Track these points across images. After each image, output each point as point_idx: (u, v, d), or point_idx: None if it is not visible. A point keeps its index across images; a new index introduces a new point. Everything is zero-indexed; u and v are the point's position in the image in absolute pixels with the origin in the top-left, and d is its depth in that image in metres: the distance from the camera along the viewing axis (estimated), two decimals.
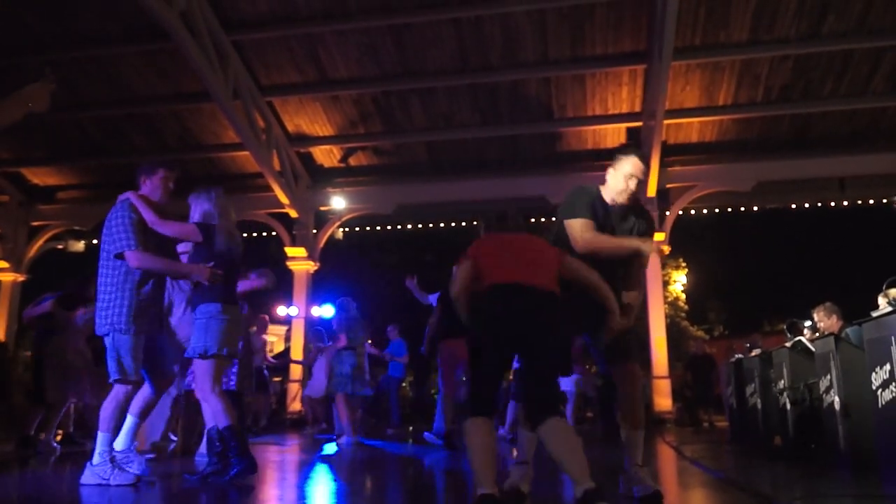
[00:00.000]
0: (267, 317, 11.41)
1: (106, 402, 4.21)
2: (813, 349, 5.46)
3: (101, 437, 4.13)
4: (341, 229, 14.39)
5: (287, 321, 14.59)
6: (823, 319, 6.30)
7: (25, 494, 4.20)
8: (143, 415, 4.48)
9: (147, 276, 4.31)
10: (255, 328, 10.89)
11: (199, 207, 4.57)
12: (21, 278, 14.50)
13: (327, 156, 13.48)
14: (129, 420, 4.39)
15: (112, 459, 4.09)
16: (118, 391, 4.18)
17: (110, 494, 3.81)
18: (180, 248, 4.77)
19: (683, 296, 27.55)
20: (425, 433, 7.82)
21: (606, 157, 13.92)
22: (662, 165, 11.84)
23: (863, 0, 9.74)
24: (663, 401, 12.18)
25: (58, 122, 12.64)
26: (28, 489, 4.46)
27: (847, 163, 12.25)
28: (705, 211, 13.38)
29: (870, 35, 10.21)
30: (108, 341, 4.20)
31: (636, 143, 12.34)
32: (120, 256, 4.24)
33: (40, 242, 14.70)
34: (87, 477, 4.07)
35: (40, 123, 12.68)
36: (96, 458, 4.09)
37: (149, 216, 4.33)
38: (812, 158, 12.24)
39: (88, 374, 7.46)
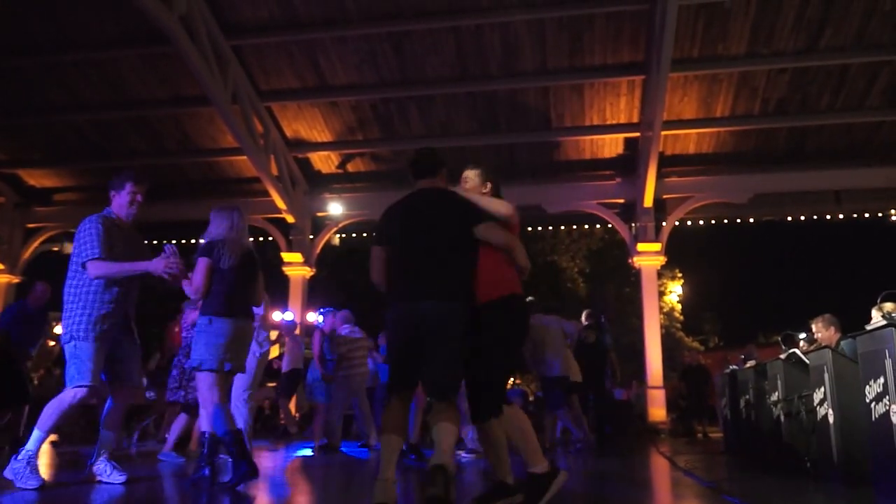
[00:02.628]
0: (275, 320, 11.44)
1: (50, 403, 4.19)
2: (807, 361, 5.47)
3: (35, 434, 4.14)
4: (338, 235, 14.39)
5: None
6: (821, 331, 6.30)
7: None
8: (111, 425, 4.44)
9: (110, 283, 4.30)
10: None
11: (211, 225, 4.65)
12: (16, 280, 14.46)
13: (325, 161, 13.49)
14: (101, 432, 4.42)
15: (30, 460, 4.08)
16: (67, 395, 4.15)
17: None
18: None
19: (679, 306, 27.62)
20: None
21: (604, 166, 14.08)
22: (659, 176, 11.87)
23: (860, 15, 9.80)
24: (658, 411, 12.18)
25: (55, 124, 12.66)
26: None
27: (843, 176, 12.31)
28: (702, 222, 13.41)
29: (867, 50, 10.27)
30: (68, 349, 4.22)
31: (633, 155, 12.39)
32: (84, 267, 4.28)
33: (36, 244, 14.67)
34: (7, 470, 4.09)
35: (38, 125, 12.73)
36: (21, 454, 4.10)
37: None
38: (808, 171, 12.29)
39: None
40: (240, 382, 6.37)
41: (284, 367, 10.66)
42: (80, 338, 4.18)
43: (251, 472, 4.15)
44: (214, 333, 4.32)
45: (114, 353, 4.34)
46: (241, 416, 6.47)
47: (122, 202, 4.51)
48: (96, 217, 4.41)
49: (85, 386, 4.13)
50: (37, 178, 14.29)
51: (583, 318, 10.28)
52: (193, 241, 14.18)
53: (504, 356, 3.47)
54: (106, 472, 4.34)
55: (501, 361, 3.45)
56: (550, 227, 21.89)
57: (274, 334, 10.93)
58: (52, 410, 4.14)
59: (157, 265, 4.24)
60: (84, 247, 4.27)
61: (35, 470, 4.07)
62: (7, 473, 4.06)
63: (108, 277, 4.27)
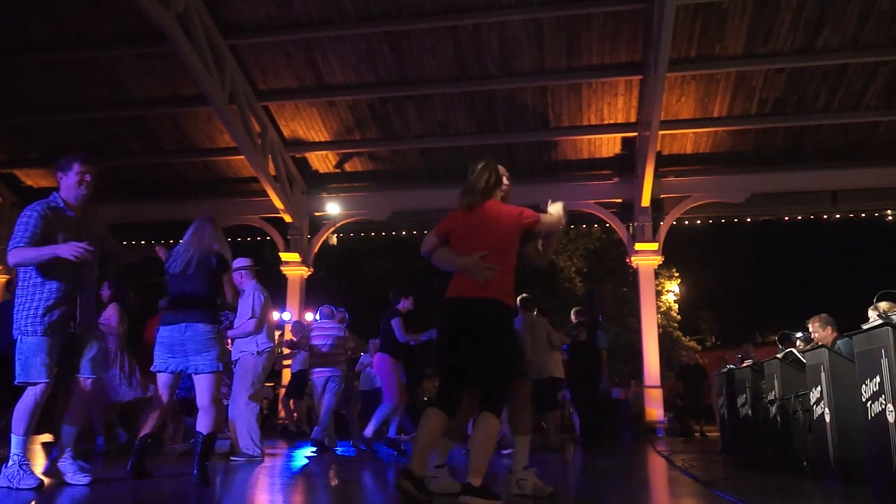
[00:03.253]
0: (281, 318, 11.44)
1: (18, 405, 4.11)
2: (804, 360, 5.49)
3: (13, 439, 4.08)
4: (335, 235, 14.39)
5: (280, 326, 14.56)
6: (818, 330, 6.32)
7: None
8: (72, 420, 4.34)
9: (53, 273, 4.15)
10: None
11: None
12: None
13: (323, 161, 13.48)
14: (63, 428, 4.31)
15: (21, 463, 4.01)
16: (29, 394, 4.07)
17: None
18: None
19: (676, 306, 27.65)
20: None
21: (601, 166, 14.08)
22: (657, 176, 11.89)
23: (857, 16, 9.82)
24: (655, 410, 12.21)
25: (52, 123, 12.65)
26: None
27: (839, 176, 12.34)
28: (699, 221, 13.43)
29: (864, 50, 10.29)
30: (18, 345, 4.14)
31: (630, 155, 12.41)
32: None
33: None
34: (1, 479, 4.02)
35: (35, 125, 12.71)
36: (10, 461, 4.04)
37: None
38: (805, 171, 12.33)
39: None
40: (240, 383, 6.40)
41: (294, 367, 10.67)
42: (28, 332, 4.08)
43: (134, 474, 4.48)
44: (158, 342, 4.68)
45: (70, 347, 4.22)
46: (242, 418, 6.47)
47: (70, 183, 4.30)
48: (37, 204, 4.22)
49: (32, 382, 4.04)
50: (34, 178, 14.27)
51: (572, 316, 10.19)
52: None
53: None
54: (69, 471, 4.23)
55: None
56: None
57: (279, 334, 10.97)
58: (19, 413, 4.07)
59: (65, 250, 4.02)
60: (13, 235, 4.11)
61: (29, 470, 4.02)
62: (1, 481, 4.00)
63: (23, 264, 4.11)
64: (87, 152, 4.53)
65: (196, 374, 4.54)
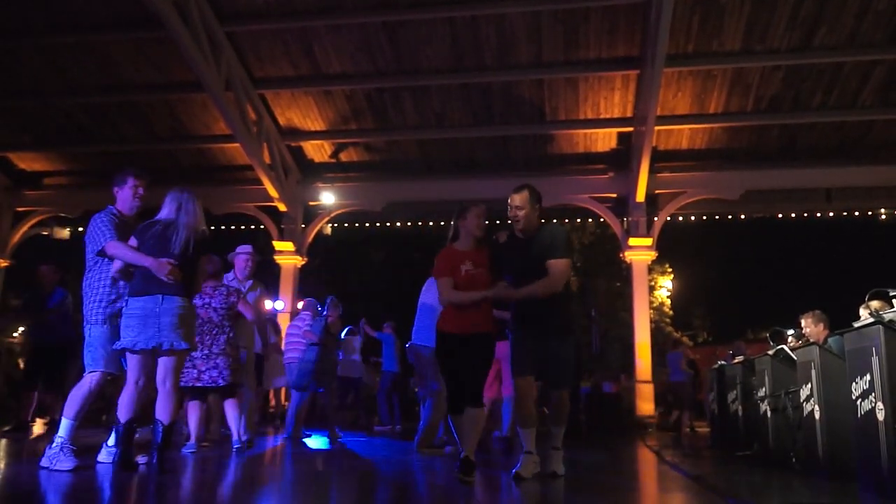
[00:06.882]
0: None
1: (74, 391, 4.29)
2: (795, 357, 5.51)
3: (63, 423, 4.23)
4: (330, 225, 14.37)
5: (272, 315, 14.52)
6: (811, 326, 6.33)
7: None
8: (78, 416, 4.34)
9: (120, 274, 4.39)
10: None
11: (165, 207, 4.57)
12: (5, 264, 14.38)
13: (318, 151, 13.44)
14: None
15: (62, 447, 4.17)
16: (88, 381, 4.29)
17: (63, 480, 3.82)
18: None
19: (669, 301, 27.70)
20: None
21: (597, 160, 14.04)
22: (652, 171, 11.90)
23: (854, 14, 9.83)
24: (646, 405, 12.24)
25: (47, 107, 12.57)
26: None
27: (834, 174, 12.37)
28: (693, 218, 13.45)
29: (860, 49, 10.31)
30: (85, 334, 4.39)
31: (626, 150, 12.42)
32: (101, 253, 4.37)
33: (25, 228, 14.58)
34: (44, 460, 4.20)
35: (29, 108, 12.63)
36: (55, 442, 4.21)
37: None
38: (799, 169, 12.35)
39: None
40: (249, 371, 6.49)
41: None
42: (97, 322, 4.35)
43: (123, 466, 4.08)
44: (126, 314, 4.23)
45: None
46: (245, 405, 6.48)
47: (125, 196, 4.65)
48: (103, 213, 4.55)
49: (102, 371, 4.30)
50: (27, 162, 14.19)
51: None
52: None
53: None
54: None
55: None
56: (542, 221, 21.96)
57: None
58: (75, 399, 4.28)
59: (153, 264, 4.17)
60: (100, 234, 4.38)
61: (69, 454, 4.16)
62: (43, 462, 4.17)
63: (118, 258, 4.33)
64: (141, 167, 4.87)
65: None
